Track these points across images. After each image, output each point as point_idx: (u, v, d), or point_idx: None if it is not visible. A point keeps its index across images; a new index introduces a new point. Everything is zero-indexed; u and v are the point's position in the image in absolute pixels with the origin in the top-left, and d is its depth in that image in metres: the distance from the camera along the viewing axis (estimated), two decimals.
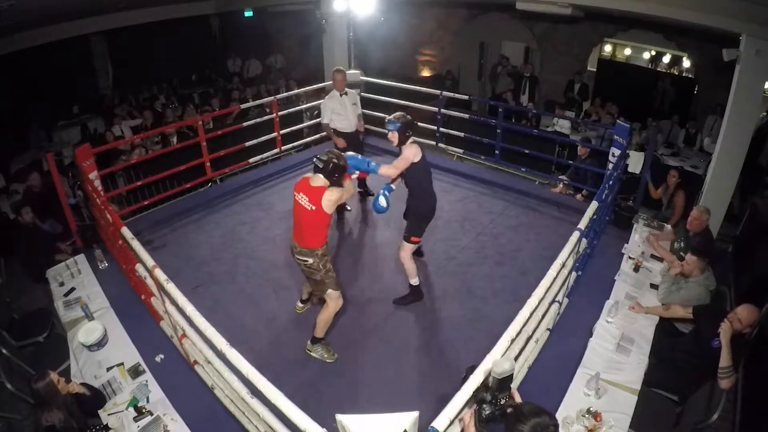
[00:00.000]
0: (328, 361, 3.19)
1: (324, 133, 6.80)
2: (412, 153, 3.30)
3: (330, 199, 2.83)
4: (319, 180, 2.88)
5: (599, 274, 3.93)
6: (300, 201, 2.91)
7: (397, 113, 3.39)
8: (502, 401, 1.62)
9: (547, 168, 5.87)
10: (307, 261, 3.00)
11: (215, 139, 5.41)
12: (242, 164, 5.67)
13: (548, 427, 1.42)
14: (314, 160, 2.90)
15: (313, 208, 2.84)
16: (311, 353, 3.21)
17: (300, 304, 3.62)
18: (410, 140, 3.39)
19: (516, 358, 2.65)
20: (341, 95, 4.81)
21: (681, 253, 3.86)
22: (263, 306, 3.71)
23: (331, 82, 6.88)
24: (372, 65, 9.35)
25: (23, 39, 6.90)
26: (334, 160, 2.86)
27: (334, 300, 3.07)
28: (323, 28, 7.01)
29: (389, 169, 3.30)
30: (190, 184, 5.20)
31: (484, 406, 1.63)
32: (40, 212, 4.74)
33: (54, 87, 8.77)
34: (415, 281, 3.64)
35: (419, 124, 6.26)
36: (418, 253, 4.17)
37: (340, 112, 4.81)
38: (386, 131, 3.39)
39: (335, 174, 2.88)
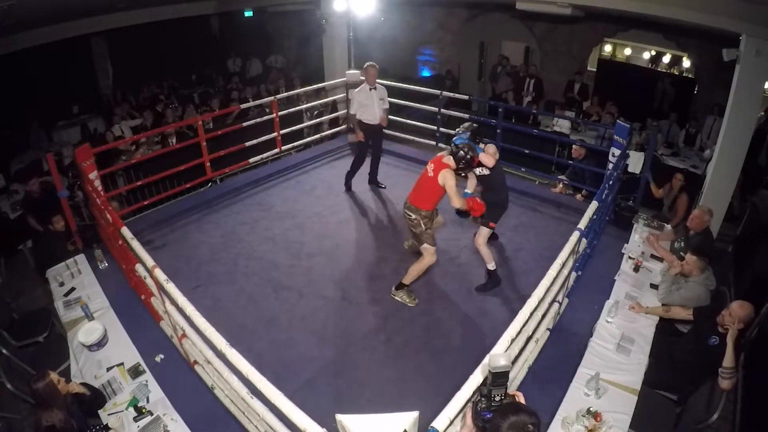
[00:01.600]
0: (409, 305, 3.65)
1: (326, 132, 6.84)
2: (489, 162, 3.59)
3: (446, 177, 3.33)
4: (450, 160, 3.40)
5: (599, 274, 3.93)
6: (427, 168, 3.47)
7: (464, 124, 3.61)
8: (497, 398, 1.63)
9: (547, 168, 5.87)
10: (411, 216, 3.56)
11: (215, 139, 5.41)
12: (242, 164, 5.66)
13: (527, 425, 1.40)
14: (454, 142, 3.39)
15: (432, 175, 3.39)
16: (395, 297, 3.70)
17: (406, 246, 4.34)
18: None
19: (516, 358, 2.65)
20: (370, 89, 5.00)
21: (681, 253, 3.86)
22: (263, 306, 3.70)
23: (332, 81, 6.89)
24: None
25: (23, 39, 6.91)
26: (467, 152, 3.34)
27: (429, 254, 3.54)
28: (323, 28, 7.01)
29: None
30: (190, 184, 5.19)
31: (482, 399, 1.65)
32: (39, 215, 4.77)
33: (54, 87, 8.78)
34: (492, 266, 3.80)
35: (419, 124, 6.30)
36: (492, 237, 4.27)
37: (368, 104, 5.02)
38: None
39: (462, 162, 3.36)
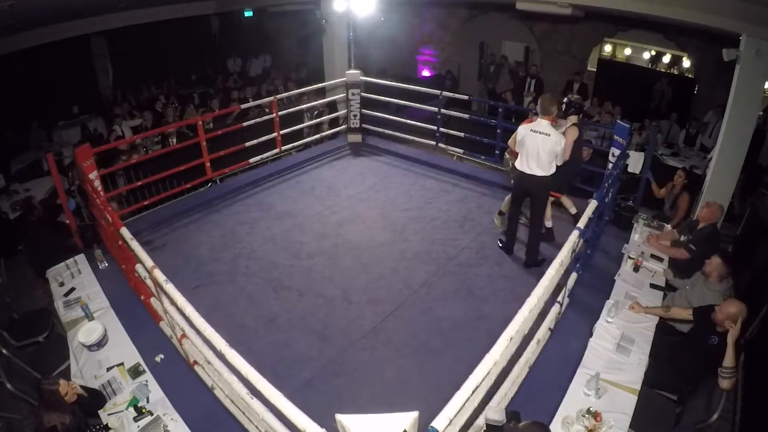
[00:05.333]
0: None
1: (326, 132, 6.83)
2: (572, 136, 3.98)
3: None
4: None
5: (599, 274, 3.92)
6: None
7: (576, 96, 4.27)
8: None
9: None
10: None
11: (215, 139, 5.40)
12: (242, 164, 5.66)
13: None
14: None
15: None
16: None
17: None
18: (571, 124, 4.03)
19: (517, 358, 2.65)
20: None
21: (690, 246, 3.85)
22: (263, 306, 3.70)
23: (332, 81, 6.79)
24: (372, 65, 9.35)
25: (23, 39, 6.91)
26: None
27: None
28: (323, 28, 7.01)
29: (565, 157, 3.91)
30: (190, 184, 5.19)
31: None
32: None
33: (54, 87, 8.78)
34: (549, 224, 4.37)
35: (419, 124, 6.30)
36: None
37: None
38: None
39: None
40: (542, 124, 3.69)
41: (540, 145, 3.67)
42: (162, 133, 6.37)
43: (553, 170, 3.79)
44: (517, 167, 3.88)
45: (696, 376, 2.93)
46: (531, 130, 3.71)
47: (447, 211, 5.02)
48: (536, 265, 4.10)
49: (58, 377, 2.49)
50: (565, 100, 4.22)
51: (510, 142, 4.27)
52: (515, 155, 3.96)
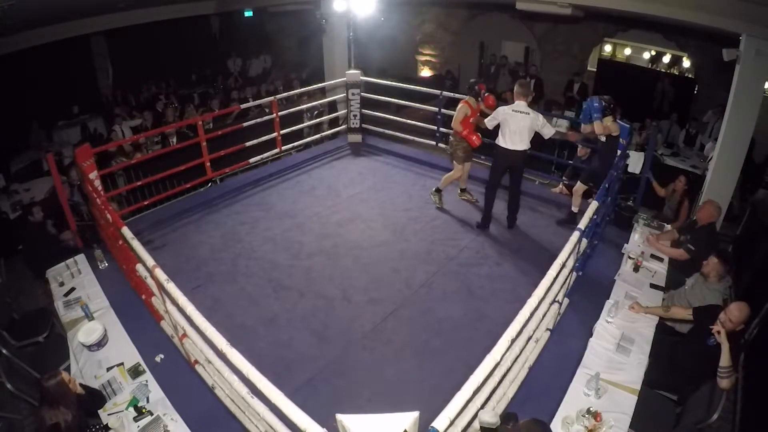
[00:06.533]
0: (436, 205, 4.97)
1: (326, 132, 6.83)
2: (614, 127, 4.15)
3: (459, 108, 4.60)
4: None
5: (599, 274, 3.93)
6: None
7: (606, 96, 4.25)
8: None
9: (546, 168, 5.87)
10: None
11: (215, 139, 5.40)
12: (242, 164, 5.66)
13: None
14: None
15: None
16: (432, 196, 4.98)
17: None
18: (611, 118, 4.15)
19: (516, 359, 2.65)
20: None
21: (689, 246, 3.85)
22: (263, 306, 3.70)
23: (332, 81, 6.78)
24: (372, 65, 9.36)
25: (23, 39, 6.91)
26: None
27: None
28: (323, 28, 7.02)
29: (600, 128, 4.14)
30: (190, 184, 5.19)
31: None
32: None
33: (54, 87, 8.77)
34: (575, 209, 4.61)
35: (419, 124, 6.30)
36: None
37: None
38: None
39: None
40: (521, 104, 4.12)
41: (522, 123, 4.10)
42: (162, 133, 6.37)
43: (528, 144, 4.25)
44: (501, 145, 4.26)
45: (696, 376, 2.93)
46: (513, 110, 4.11)
47: (447, 211, 5.02)
48: (570, 222, 4.61)
49: (57, 369, 2.48)
50: (596, 104, 4.25)
51: (457, 121, 4.59)
52: (468, 136, 4.54)
